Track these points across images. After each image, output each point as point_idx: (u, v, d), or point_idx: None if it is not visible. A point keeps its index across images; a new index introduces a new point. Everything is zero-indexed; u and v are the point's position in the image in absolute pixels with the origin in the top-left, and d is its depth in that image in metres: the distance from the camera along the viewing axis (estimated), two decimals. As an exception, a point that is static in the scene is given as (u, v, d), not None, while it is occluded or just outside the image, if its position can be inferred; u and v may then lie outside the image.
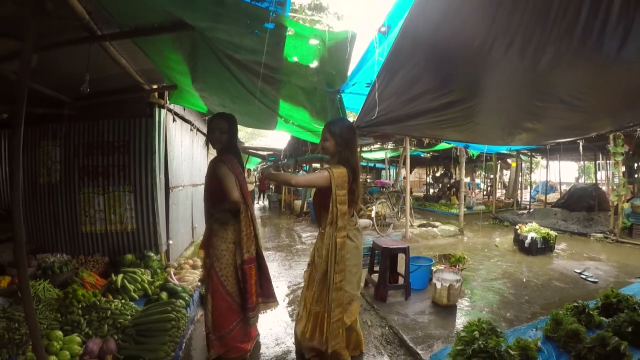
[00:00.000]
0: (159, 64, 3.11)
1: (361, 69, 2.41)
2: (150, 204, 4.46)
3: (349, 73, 2.31)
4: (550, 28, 1.70)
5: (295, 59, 1.98)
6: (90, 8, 2.43)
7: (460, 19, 1.66)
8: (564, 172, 15.76)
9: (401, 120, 2.92)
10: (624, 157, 7.58)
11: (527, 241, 6.04)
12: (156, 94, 4.40)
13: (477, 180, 17.00)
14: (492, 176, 13.90)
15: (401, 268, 4.06)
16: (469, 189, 14.22)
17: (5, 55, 2.88)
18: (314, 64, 2.00)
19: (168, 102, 4.56)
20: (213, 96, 3.35)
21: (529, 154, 12.04)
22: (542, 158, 13.53)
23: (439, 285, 3.63)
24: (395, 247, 3.91)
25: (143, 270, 3.98)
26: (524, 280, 4.77)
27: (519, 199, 13.40)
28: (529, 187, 13.94)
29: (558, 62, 1.90)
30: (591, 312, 3.14)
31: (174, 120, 5.05)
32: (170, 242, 4.78)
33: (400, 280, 4.08)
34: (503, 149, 10.00)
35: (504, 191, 15.97)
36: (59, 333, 2.60)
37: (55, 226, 4.69)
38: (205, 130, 7.11)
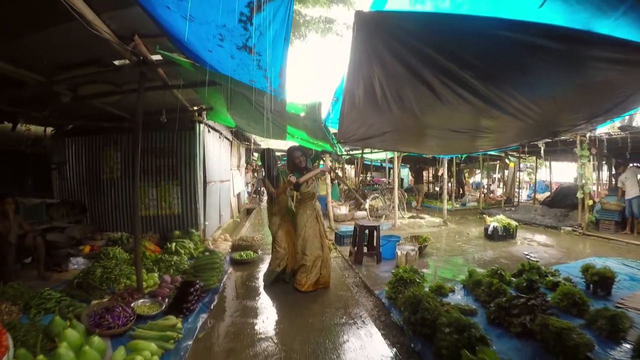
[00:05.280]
0: (206, 99, 4.64)
1: (332, 110, 3.85)
2: (192, 194, 6.03)
3: (325, 114, 3.77)
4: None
5: (292, 111, 3.48)
6: (166, 70, 3.94)
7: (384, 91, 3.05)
8: (562, 173, 16.73)
9: (366, 137, 4.30)
10: (588, 158, 8.63)
11: (490, 229, 7.32)
12: (196, 112, 5.94)
13: (471, 180, 18.09)
14: (494, 176, 15.01)
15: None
16: (464, 187, 15.38)
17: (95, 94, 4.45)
18: (302, 114, 3.50)
19: (205, 118, 6.09)
20: (242, 119, 4.88)
21: (517, 155, 13.07)
22: (541, 159, 14.44)
23: (399, 253, 5.03)
24: (369, 225, 5.33)
25: (188, 240, 5.54)
26: (476, 257, 6.07)
27: (514, 197, 14.45)
28: (525, 186, 14.94)
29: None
30: (502, 273, 4.47)
31: (208, 131, 6.60)
32: (206, 223, 6.35)
33: (376, 253, 5.48)
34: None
35: (500, 190, 17.04)
36: (144, 271, 4.14)
37: (116, 211, 6.29)
38: (228, 137, 8.64)
